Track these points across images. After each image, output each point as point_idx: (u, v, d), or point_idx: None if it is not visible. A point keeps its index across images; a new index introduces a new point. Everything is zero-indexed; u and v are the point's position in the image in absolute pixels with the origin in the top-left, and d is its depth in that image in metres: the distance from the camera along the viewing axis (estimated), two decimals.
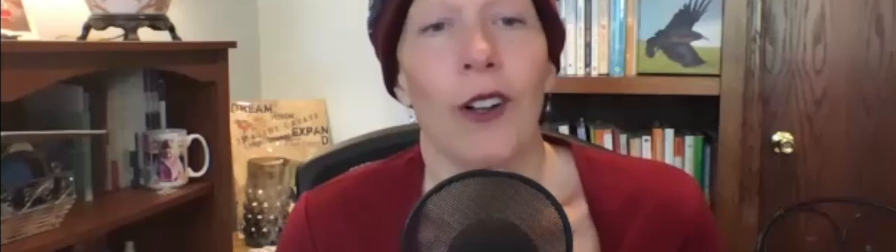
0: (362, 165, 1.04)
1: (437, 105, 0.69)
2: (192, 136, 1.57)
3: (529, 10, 0.71)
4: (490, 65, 0.66)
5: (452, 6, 0.68)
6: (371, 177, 0.83)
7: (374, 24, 0.75)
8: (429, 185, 0.78)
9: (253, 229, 1.90)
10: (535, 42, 0.71)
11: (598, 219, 0.76)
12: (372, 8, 0.75)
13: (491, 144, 0.67)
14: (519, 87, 0.68)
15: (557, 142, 0.82)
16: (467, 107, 0.67)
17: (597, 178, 0.78)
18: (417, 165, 0.80)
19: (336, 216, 0.79)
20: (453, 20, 0.68)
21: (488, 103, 0.67)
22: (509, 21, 0.69)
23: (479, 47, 0.65)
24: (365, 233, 0.78)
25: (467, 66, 0.66)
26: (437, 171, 0.76)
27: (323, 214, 0.80)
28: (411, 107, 0.74)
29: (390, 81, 0.77)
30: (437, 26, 0.69)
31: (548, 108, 0.76)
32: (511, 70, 0.67)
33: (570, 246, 0.62)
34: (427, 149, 0.78)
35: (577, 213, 0.76)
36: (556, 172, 0.78)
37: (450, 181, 0.63)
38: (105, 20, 1.43)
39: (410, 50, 0.71)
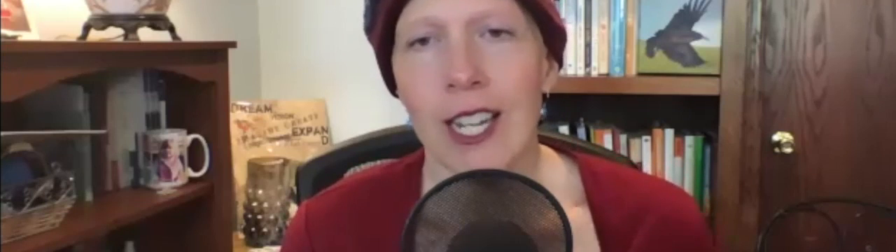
0: (362, 168, 1.04)
1: (426, 119, 0.70)
2: (192, 136, 1.57)
3: (518, 19, 0.70)
4: (475, 82, 0.66)
5: (437, 22, 0.68)
6: (370, 183, 0.83)
7: (368, 31, 0.76)
8: (428, 189, 0.78)
9: (253, 229, 1.90)
10: (525, 52, 0.70)
11: (601, 231, 0.77)
12: (365, 16, 0.75)
13: (482, 162, 0.68)
14: (508, 100, 0.68)
15: (564, 151, 0.83)
16: (456, 123, 0.68)
17: (602, 190, 0.78)
18: (416, 171, 0.81)
19: (336, 224, 0.80)
20: (439, 35, 0.69)
21: (476, 119, 0.68)
22: (496, 32, 0.69)
23: (462, 68, 0.65)
24: (365, 240, 0.78)
25: (452, 85, 0.67)
26: (437, 172, 0.77)
27: (323, 223, 0.80)
28: None
29: (392, 85, 0.78)
30: (423, 41, 0.69)
31: (543, 111, 0.77)
32: (499, 84, 0.68)
33: (571, 246, 0.62)
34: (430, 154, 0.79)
35: (581, 221, 0.76)
36: (561, 181, 0.79)
37: (449, 181, 0.63)
38: (105, 20, 1.43)
39: (400, 63, 0.72)
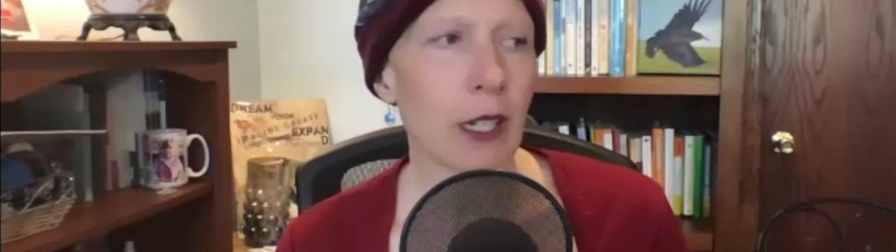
0: (362, 168, 1.05)
1: (437, 119, 0.70)
2: (192, 136, 1.57)
3: (531, 30, 0.73)
4: (501, 88, 0.68)
5: (466, 22, 0.69)
6: (348, 199, 0.85)
7: (369, 19, 0.74)
8: (402, 204, 0.81)
9: (253, 229, 1.90)
10: (533, 62, 0.73)
11: (574, 222, 0.78)
12: (372, 4, 0.74)
13: (484, 160, 0.70)
14: (516, 107, 0.70)
15: (533, 150, 0.86)
16: (469, 123, 0.69)
17: (572, 183, 0.81)
18: (391, 183, 0.83)
19: (318, 241, 0.82)
20: (463, 35, 0.69)
21: (490, 124, 0.69)
22: (516, 41, 0.70)
23: (496, 71, 0.67)
24: None
25: (479, 87, 0.67)
26: (423, 178, 0.78)
27: (306, 240, 0.82)
28: (394, 104, 0.76)
29: (372, 77, 0.78)
30: (447, 39, 0.70)
31: None
32: (513, 92, 0.70)
33: (571, 245, 0.63)
34: (417, 150, 0.79)
35: None
36: (536, 177, 0.80)
37: (449, 181, 0.63)
38: (105, 20, 1.43)
39: (413, 57, 0.71)
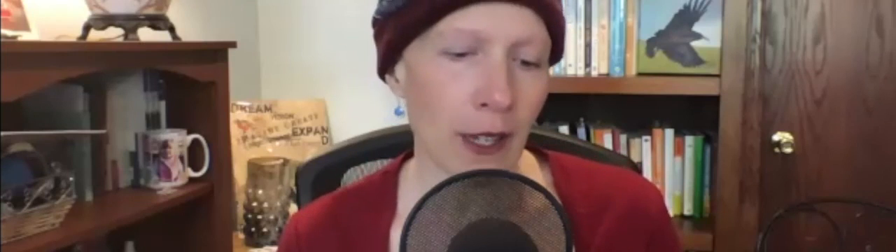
0: (362, 168, 1.05)
1: (441, 126, 0.70)
2: (192, 136, 1.57)
3: (547, 49, 0.73)
4: (508, 108, 0.68)
5: (484, 37, 0.69)
6: (350, 194, 0.85)
7: (387, 15, 0.74)
8: (403, 198, 0.82)
9: (253, 229, 1.90)
10: (544, 81, 0.73)
11: (571, 221, 0.78)
12: (392, 0, 0.73)
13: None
14: (521, 124, 0.71)
15: (533, 149, 0.86)
16: (472, 136, 0.69)
17: (570, 183, 0.81)
18: (392, 179, 0.83)
19: (321, 235, 0.82)
20: (478, 49, 0.69)
21: (492, 140, 0.69)
22: (527, 63, 0.70)
23: (505, 93, 0.66)
24: (349, 248, 0.80)
25: (485, 104, 0.67)
26: (424, 175, 0.78)
27: (310, 232, 0.83)
28: (403, 97, 0.76)
29: (384, 68, 0.78)
30: (462, 54, 0.69)
31: None
32: (520, 110, 0.70)
33: (571, 245, 0.63)
34: (421, 147, 0.79)
35: None
36: (535, 176, 0.81)
37: (449, 181, 0.63)
38: (105, 20, 1.43)
39: (426, 62, 0.71)
